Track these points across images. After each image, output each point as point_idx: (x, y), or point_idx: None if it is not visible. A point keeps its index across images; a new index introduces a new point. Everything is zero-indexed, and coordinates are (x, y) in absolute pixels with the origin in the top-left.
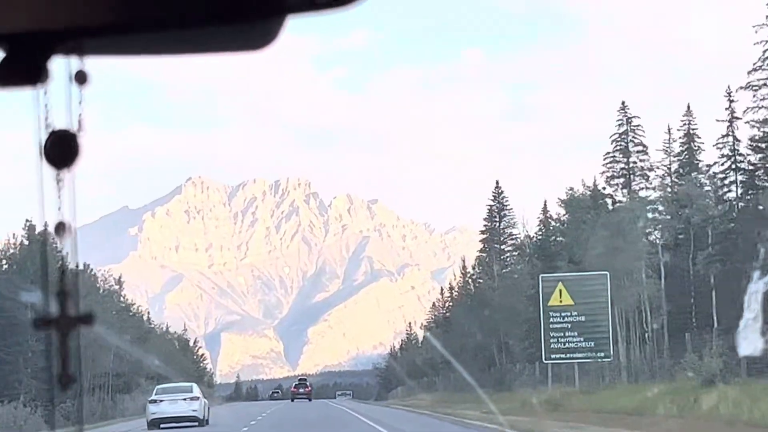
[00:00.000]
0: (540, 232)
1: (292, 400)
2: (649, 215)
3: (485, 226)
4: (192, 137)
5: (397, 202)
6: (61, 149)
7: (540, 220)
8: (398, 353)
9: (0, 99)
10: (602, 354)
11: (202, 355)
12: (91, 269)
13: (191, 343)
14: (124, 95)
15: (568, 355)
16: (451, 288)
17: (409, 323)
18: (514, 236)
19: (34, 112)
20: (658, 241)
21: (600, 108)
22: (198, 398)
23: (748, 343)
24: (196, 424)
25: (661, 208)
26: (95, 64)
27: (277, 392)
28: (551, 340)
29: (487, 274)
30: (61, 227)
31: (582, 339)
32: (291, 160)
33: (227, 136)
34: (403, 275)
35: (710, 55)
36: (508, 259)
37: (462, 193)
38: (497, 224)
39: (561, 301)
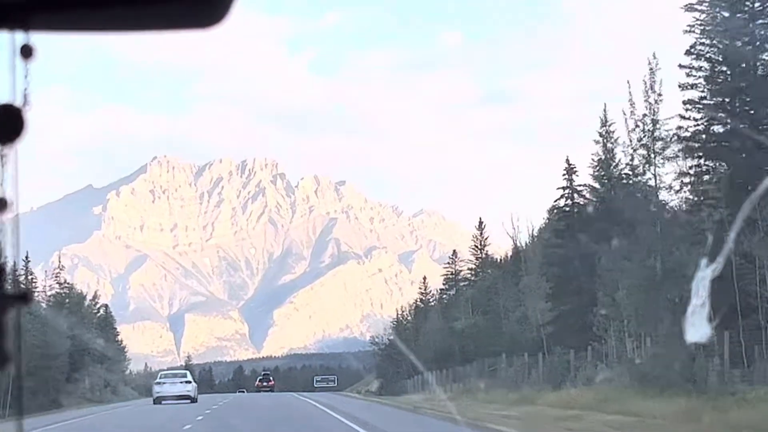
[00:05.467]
0: None
1: (258, 392)
2: None
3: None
4: (158, 116)
5: (365, 184)
6: (4, 124)
7: None
8: (408, 321)
9: None
10: None
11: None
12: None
13: (89, 301)
14: (90, 74)
15: None
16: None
17: (424, 277)
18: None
19: None
20: None
21: (578, 95)
22: (191, 382)
23: (695, 330)
24: (189, 401)
25: None
26: (63, 44)
27: (243, 390)
28: None
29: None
30: (2, 204)
31: None
32: (258, 140)
33: (194, 116)
34: (371, 258)
35: None
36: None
37: (430, 176)
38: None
39: None
